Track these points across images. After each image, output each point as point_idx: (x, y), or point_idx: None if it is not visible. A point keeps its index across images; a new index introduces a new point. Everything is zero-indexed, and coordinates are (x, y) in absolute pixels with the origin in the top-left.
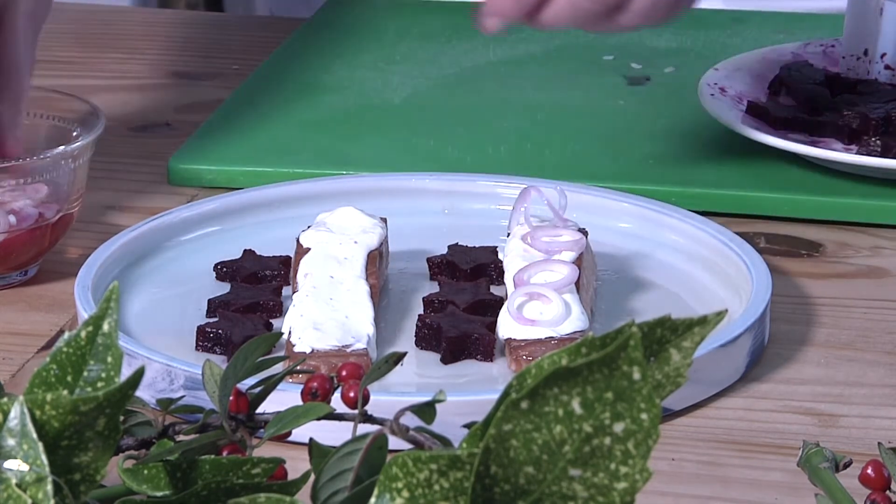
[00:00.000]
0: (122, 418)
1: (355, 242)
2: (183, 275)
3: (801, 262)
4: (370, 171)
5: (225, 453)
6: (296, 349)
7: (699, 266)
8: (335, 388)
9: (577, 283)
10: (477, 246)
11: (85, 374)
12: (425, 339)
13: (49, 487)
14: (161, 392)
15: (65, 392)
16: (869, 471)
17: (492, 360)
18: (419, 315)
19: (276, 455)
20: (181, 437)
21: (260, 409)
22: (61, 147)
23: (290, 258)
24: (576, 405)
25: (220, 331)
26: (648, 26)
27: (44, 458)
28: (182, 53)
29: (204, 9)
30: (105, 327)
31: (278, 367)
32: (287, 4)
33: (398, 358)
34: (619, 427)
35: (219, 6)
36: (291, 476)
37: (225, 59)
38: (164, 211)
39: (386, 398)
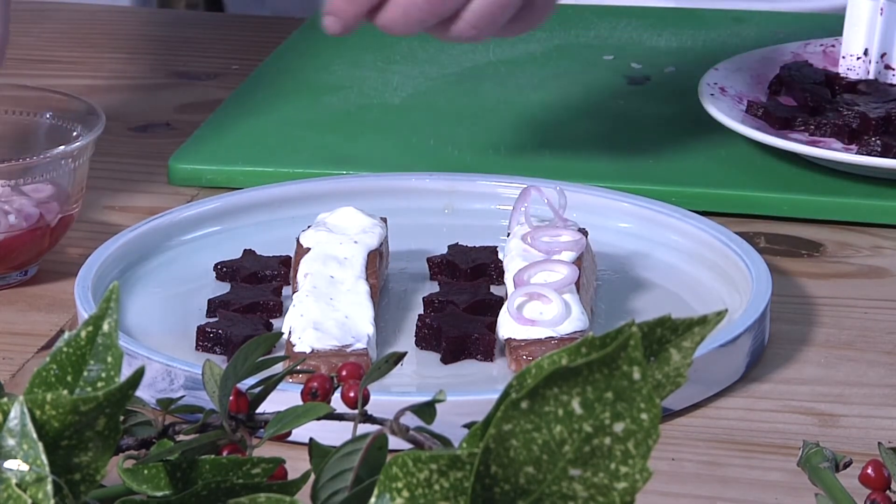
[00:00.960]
0: (122, 418)
1: (355, 242)
2: (183, 275)
3: (802, 261)
4: (370, 170)
5: (225, 453)
6: (296, 349)
7: (699, 266)
8: (335, 388)
9: (577, 283)
10: (477, 246)
11: (85, 374)
12: (425, 339)
13: (49, 487)
14: (161, 392)
15: (65, 392)
16: (869, 471)
17: (492, 360)
18: (419, 315)
19: (276, 455)
20: (181, 437)
21: (260, 409)
22: (61, 147)
23: (290, 258)
24: (576, 405)
25: (220, 331)
26: (489, 37)
27: (44, 457)
28: (182, 53)
29: (204, 9)
30: (105, 327)
31: (278, 367)
32: (285, 5)
33: (398, 358)
34: (619, 427)
35: (219, 6)
36: (291, 476)
37: (225, 59)
38: (164, 211)
39: (386, 398)
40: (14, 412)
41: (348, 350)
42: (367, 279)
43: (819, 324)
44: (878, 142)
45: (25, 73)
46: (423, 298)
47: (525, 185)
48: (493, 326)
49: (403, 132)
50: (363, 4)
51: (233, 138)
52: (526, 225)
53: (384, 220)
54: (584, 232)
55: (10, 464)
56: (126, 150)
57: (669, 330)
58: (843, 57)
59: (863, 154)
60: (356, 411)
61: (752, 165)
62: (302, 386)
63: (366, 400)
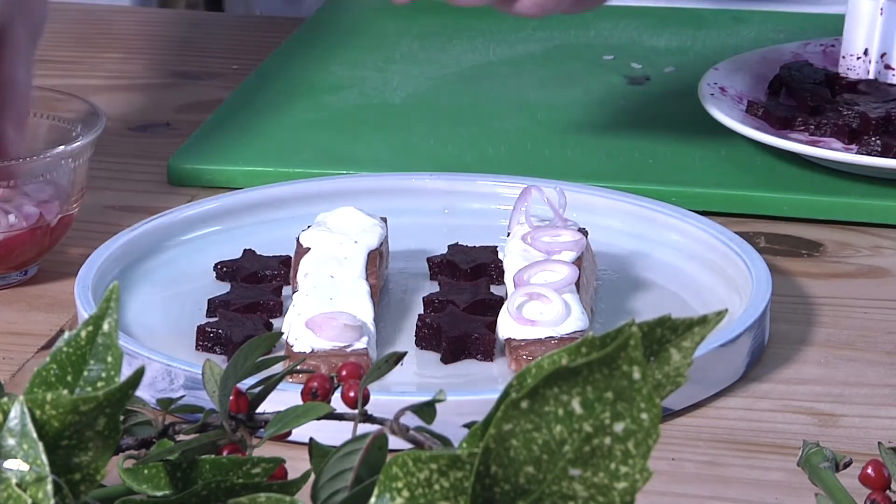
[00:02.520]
0: (122, 418)
1: (355, 242)
2: (183, 274)
3: (802, 261)
4: (370, 170)
5: (225, 453)
6: (295, 349)
7: (699, 266)
8: (335, 388)
9: (577, 283)
10: (477, 246)
11: (85, 373)
12: (425, 338)
13: (49, 487)
14: (161, 392)
15: (65, 392)
16: (869, 470)
17: (492, 360)
18: (419, 315)
19: (277, 455)
20: (181, 437)
21: (260, 409)
22: (61, 147)
23: (290, 258)
24: (576, 405)
25: (220, 330)
26: (552, 13)
27: (44, 457)
28: (182, 53)
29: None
30: (105, 327)
31: (278, 367)
32: (280, 6)
33: (398, 358)
34: (619, 427)
35: (219, 6)
36: (291, 476)
37: (225, 59)
38: (164, 211)
39: (386, 398)
40: (14, 412)
41: (348, 350)
42: (367, 279)
43: (819, 324)
44: (878, 142)
45: None
46: (424, 298)
47: (525, 185)
48: (493, 326)
49: (403, 132)
50: None
51: (233, 138)
52: (526, 225)
53: (384, 219)
54: (584, 232)
55: (10, 463)
56: (126, 149)
57: (669, 330)
58: (843, 57)
59: (863, 154)
60: (356, 411)
61: (752, 165)
62: (302, 386)
63: (366, 400)
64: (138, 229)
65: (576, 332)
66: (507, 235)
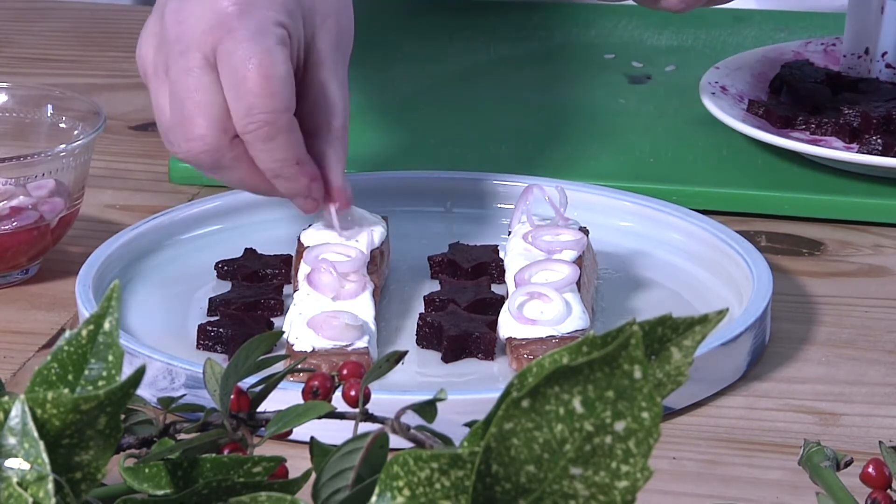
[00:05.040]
0: (123, 417)
1: (356, 241)
2: (184, 273)
3: (802, 260)
4: (371, 169)
5: (226, 452)
6: (296, 348)
7: (700, 265)
8: (336, 387)
9: (577, 282)
10: (478, 245)
11: (86, 372)
12: (426, 337)
13: (50, 486)
14: (162, 391)
15: (66, 391)
16: (870, 469)
17: (493, 359)
18: (420, 314)
19: (277, 454)
20: (182, 436)
21: (261, 408)
22: (63, 145)
23: (291, 257)
24: (577, 404)
25: (221, 329)
26: (695, 7)
27: (45, 456)
28: None
29: None
30: (106, 326)
31: (279, 366)
32: None
33: (399, 356)
34: (620, 426)
35: None
36: (292, 475)
37: None
38: (165, 209)
39: (387, 397)
40: (15, 411)
41: (349, 349)
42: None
43: (820, 322)
44: (878, 141)
45: (26, 72)
46: (424, 297)
47: (525, 184)
48: (493, 325)
49: (404, 131)
50: None
51: None
52: (527, 224)
53: (385, 218)
54: (584, 231)
55: (11, 462)
56: (127, 148)
57: (670, 329)
58: (844, 56)
59: (864, 153)
60: (357, 410)
61: (753, 164)
62: (303, 385)
63: (367, 399)
64: (139, 228)
65: (577, 331)
66: (508, 234)
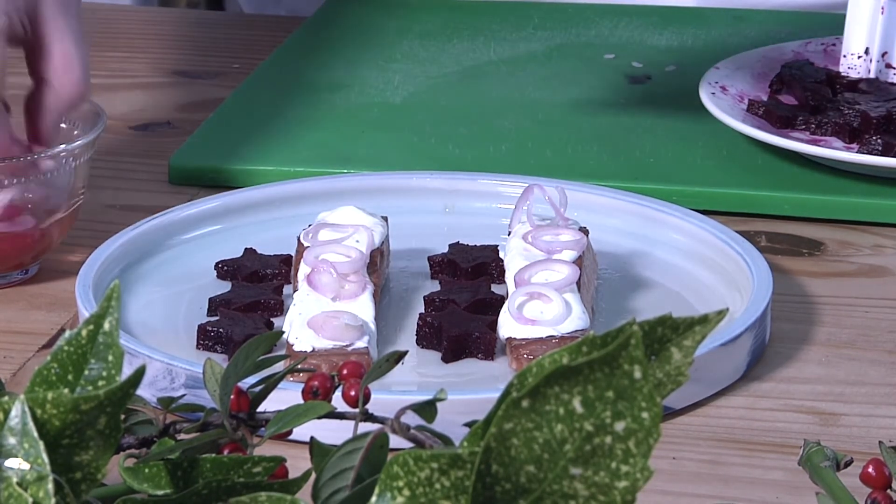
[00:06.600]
0: (123, 417)
1: (356, 241)
2: (184, 273)
3: (803, 260)
4: (371, 169)
5: (226, 452)
6: (296, 348)
7: (700, 265)
8: (336, 387)
9: (577, 282)
10: (478, 245)
11: (86, 372)
12: (426, 337)
13: (50, 486)
14: (162, 391)
15: (66, 391)
16: (870, 469)
17: (492, 359)
18: (420, 314)
19: (277, 454)
20: (182, 436)
21: (261, 408)
22: (62, 146)
23: (291, 257)
24: (577, 404)
25: (220, 329)
26: None
27: (45, 456)
28: (183, 52)
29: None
30: (106, 326)
31: (279, 366)
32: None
33: (399, 357)
34: (620, 426)
35: (220, 5)
36: (292, 475)
37: (226, 58)
38: (164, 210)
39: (387, 397)
40: (15, 411)
41: (349, 349)
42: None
43: (820, 323)
44: (878, 141)
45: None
46: (424, 297)
47: (526, 184)
48: (493, 325)
49: (404, 131)
50: None
51: (234, 137)
52: (527, 224)
53: (385, 218)
54: (584, 231)
55: (10, 462)
56: (127, 148)
57: (670, 329)
58: (844, 56)
59: (864, 153)
60: (357, 410)
61: (753, 164)
62: (303, 385)
63: (367, 399)
64: (139, 228)
65: (576, 331)
66: (508, 234)
